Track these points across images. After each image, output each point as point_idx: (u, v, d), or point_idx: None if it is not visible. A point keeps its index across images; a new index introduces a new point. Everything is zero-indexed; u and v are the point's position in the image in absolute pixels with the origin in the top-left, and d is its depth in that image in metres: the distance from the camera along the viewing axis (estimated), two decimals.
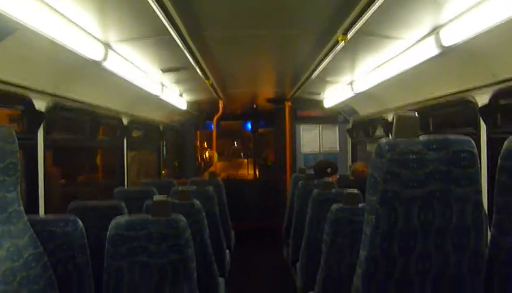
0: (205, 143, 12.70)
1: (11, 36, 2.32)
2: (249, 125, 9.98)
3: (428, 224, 1.59)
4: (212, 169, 8.03)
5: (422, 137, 1.59)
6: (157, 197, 2.52)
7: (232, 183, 8.53)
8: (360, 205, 2.80)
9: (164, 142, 7.26)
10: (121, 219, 2.46)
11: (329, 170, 5.01)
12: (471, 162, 1.59)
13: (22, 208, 1.98)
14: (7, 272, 1.80)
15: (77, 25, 2.67)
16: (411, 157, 1.56)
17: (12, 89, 2.73)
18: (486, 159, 3.02)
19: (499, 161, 1.59)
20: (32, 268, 1.94)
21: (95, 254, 2.40)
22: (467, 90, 3.23)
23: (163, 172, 7.23)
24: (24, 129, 3.00)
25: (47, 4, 2.29)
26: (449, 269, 1.62)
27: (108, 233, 2.41)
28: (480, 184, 1.63)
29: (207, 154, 11.05)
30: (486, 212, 2.51)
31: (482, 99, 3.08)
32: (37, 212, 3.06)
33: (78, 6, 2.45)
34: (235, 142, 15.55)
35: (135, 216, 2.54)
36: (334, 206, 2.81)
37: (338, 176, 5.11)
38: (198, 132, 9.27)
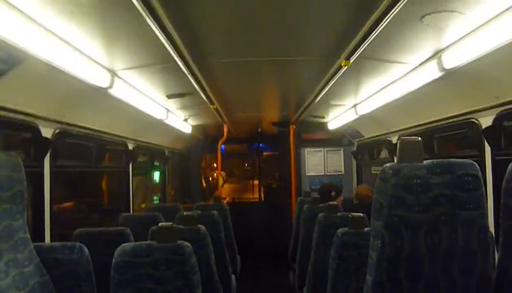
0: (211, 167, 12.70)
1: (19, 66, 2.37)
2: (254, 149, 10.00)
3: (434, 248, 1.58)
4: (218, 192, 8.02)
5: (426, 162, 1.60)
6: (162, 224, 2.52)
7: (237, 206, 8.50)
8: (366, 229, 2.78)
9: (169, 166, 7.28)
10: (126, 246, 2.46)
11: (333, 193, 5.01)
12: (476, 185, 1.58)
13: (28, 235, 1.99)
14: None
15: (83, 53, 2.72)
16: (415, 181, 1.56)
17: (19, 117, 2.76)
18: (491, 181, 3.01)
19: (503, 183, 1.59)
20: None
21: (101, 280, 2.38)
22: (470, 112, 3.24)
23: (172, 192, 7.23)
24: (31, 156, 3.02)
25: (55, 34, 2.34)
26: None
27: (114, 260, 2.40)
28: (486, 207, 1.62)
29: (215, 175, 11.04)
30: (493, 234, 2.49)
31: (485, 121, 3.08)
32: (42, 239, 3.07)
33: (85, 35, 2.50)
34: (241, 166, 15.55)
35: (141, 242, 2.53)
36: (340, 230, 2.80)
37: (342, 199, 5.09)
38: (204, 156, 9.27)
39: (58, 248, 2.15)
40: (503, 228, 1.60)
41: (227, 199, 9.97)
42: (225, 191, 11.17)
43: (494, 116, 2.99)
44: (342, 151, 7.69)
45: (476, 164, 1.62)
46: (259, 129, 8.05)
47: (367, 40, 2.60)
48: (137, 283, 2.40)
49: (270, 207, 9.02)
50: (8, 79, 2.40)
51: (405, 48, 2.92)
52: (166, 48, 2.68)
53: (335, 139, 7.56)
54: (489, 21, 2.30)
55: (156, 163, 6.75)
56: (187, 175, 8.53)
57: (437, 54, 2.90)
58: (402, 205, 1.56)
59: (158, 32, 2.38)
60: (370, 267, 1.66)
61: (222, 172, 10.97)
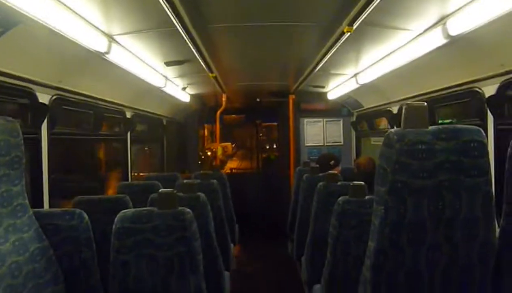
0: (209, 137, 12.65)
1: (14, 28, 2.31)
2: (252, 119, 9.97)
3: (437, 214, 1.57)
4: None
5: (431, 128, 1.57)
6: (163, 190, 2.50)
7: (235, 177, 8.52)
8: (366, 198, 2.78)
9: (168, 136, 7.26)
10: (127, 212, 2.45)
11: (332, 162, 5.02)
12: (481, 152, 1.57)
13: (27, 201, 1.97)
14: (13, 266, 1.80)
15: (80, 16, 2.66)
16: (420, 147, 1.54)
17: (15, 82, 2.72)
18: (493, 149, 3.00)
19: (509, 150, 1.58)
20: (38, 262, 1.94)
21: (100, 248, 2.38)
22: (474, 81, 3.20)
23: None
24: (28, 123, 2.99)
25: None
26: (459, 259, 1.61)
27: (114, 226, 2.40)
28: (490, 174, 1.61)
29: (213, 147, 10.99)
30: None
31: (489, 90, 3.05)
32: (41, 206, 3.06)
33: None
34: (239, 136, 15.52)
35: (141, 209, 2.52)
36: (341, 199, 2.79)
37: (340, 168, 5.10)
38: (202, 126, 9.25)
39: (57, 214, 2.14)
40: (507, 194, 1.60)
41: (225, 169, 9.99)
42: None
43: (498, 85, 2.95)
44: (341, 122, 7.67)
45: (482, 130, 1.60)
46: (258, 99, 7.99)
47: (371, 4, 2.54)
48: (137, 249, 2.40)
49: (268, 178, 9.05)
50: (3, 42, 2.34)
51: (410, 14, 2.86)
52: (165, 12, 2.62)
53: (335, 110, 7.53)
54: None
55: (154, 132, 6.72)
56: (184, 145, 8.51)
57: (442, 20, 2.84)
58: (406, 171, 1.54)
59: None
60: (372, 233, 1.66)
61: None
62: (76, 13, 2.60)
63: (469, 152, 1.55)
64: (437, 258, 1.60)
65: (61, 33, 2.55)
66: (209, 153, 10.69)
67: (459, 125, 1.59)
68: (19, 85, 2.78)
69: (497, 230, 1.64)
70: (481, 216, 1.59)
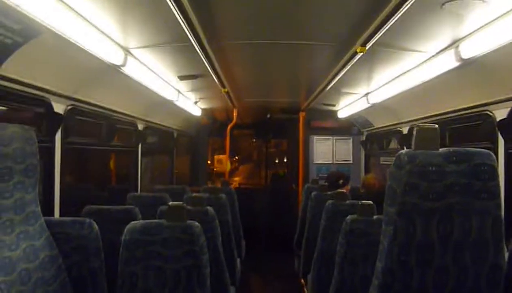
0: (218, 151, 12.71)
1: (35, 39, 2.36)
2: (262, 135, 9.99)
3: (446, 236, 1.57)
4: (229, 178, 8.05)
5: (442, 150, 1.58)
6: (172, 203, 2.52)
7: (243, 192, 8.52)
8: (374, 217, 2.78)
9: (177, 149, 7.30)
10: (136, 224, 2.47)
11: (341, 181, 5.01)
12: (492, 175, 1.57)
13: (39, 209, 2.00)
14: (23, 272, 1.82)
15: (98, 29, 2.71)
16: (430, 169, 1.55)
17: (32, 91, 2.76)
18: (503, 173, 2.98)
19: None
20: (47, 269, 1.95)
21: (108, 258, 2.39)
22: (485, 104, 3.21)
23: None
24: (43, 131, 3.03)
25: (71, 8, 2.33)
26: (467, 282, 1.60)
27: (123, 237, 2.41)
28: (500, 198, 1.61)
29: (220, 160, 11.15)
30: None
31: (500, 113, 3.05)
32: (52, 214, 3.09)
33: (100, 11, 2.48)
34: (249, 152, 15.54)
35: (150, 221, 2.54)
36: (349, 217, 2.79)
37: (350, 187, 5.09)
38: (212, 140, 9.30)
39: (68, 223, 2.16)
40: None
41: (233, 184, 9.99)
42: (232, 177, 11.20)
43: (509, 109, 2.95)
44: (351, 140, 7.67)
45: (492, 153, 1.60)
46: (269, 115, 8.02)
47: (384, 26, 2.56)
48: (145, 260, 2.41)
49: (276, 194, 9.02)
50: (23, 52, 2.39)
51: (423, 36, 2.88)
52: (181, 27, 2.66)
53: (345, 128, 7.53)
54: (510, 10, 2.26)
55: (165, 144, 6.76)
56: (194, 158, 8.54)
57: (455, 43, 2.86)
58: (416, 192, 1.55)
59: (174, 10, 2.36)
60: (381, 254, 1.66)
61: (224, 157, 10.88)
62: (94, 26, 2.65)
63: (480, 175, 1.56)
64: (445, 280, 1.60)
65: (79, 45, 2.60)
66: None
67: (470, 149, 1.60)
68: (36, 94, 2.83)
69: (506, 253, 1.64)
70: (490, 239, 1.59)
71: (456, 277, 1.60)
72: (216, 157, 11.27)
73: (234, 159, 15.04)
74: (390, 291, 1.61)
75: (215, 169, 9.98)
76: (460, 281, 1.60)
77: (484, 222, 1.58)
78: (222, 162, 10.61)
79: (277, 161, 11.23)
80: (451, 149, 1.59)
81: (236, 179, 11.66)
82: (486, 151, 1.61)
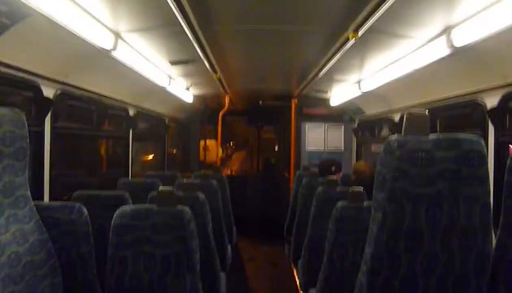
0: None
1: (23, 21, 2.32)
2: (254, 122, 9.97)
3: (435, 222, 1.58)
4: (221, 167, 8.01)
5: (431, 136, 1.58)
6: (162, 188, 2.51)
7: (235, 178, 8.53)
8: (365, 203, 2.79)
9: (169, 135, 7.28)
10: (126, 209, 2.46)
11: (333, 168, 5.02)
12: (481, 162, 1.58)
13: (29, 193, 1.98)
14: (12, 256, 1.81)
15: (88, 12, 2.67)
16: (420, 155, 1.55)
17: (21, 75, 2.73)
18: (493, 161, 3.01)
19: (508, 161, 1.59)
20: (37, 253, 1.94)
21: (98, 243, 2.39)
22: (476, 92, 3.22)
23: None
24: (32, 116, 3.00)
25: None
26: (455, 268, 1.62)
27: (112, 222, 2.41)
28: (489, 185, 1.62)
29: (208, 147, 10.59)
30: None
31: (491, 101, 3.07)
32: (41, 199, 3.07)
33: None
34: (240, 138, 15.52)
35: (140, 205, 2.53)
36: (339, 204, 2.80)
37: (342, 174, 5.11)
38: (203, 127, 9.25)
39: (57, 207, 2.15)
40: (504, 206, 1.61)
41: (224, 170, 9.97)
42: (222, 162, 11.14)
43: (500, 97, 2.96)
44: (342, 127, 7.70)
45: (482, 140, 1.61)
46: (260, 102, 8.00)
47: (377, 11, 2.56)
48: (135, 245, 2.41)
49: (268, 180, 9.05)
50: (10, 35, 2.36)
51: (415, 22, 2.87)
52: (172, 11, 2.63)
53: (336, 115, 7.55)
54: None
55: (156, 130, 6.74)
56: (186, 144, 8.53)
57: (446, 30, 2.86)
58: (406, 178, 1.55)
59: None
60: (369, 239, 1.67)
61: (211, 142, 10.42)
62: (84, 9, 2.61)
63: (469, 161, 1.57)
64: (433, 266, 1.61)
65: (68, 29, 2.57)
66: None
67: (459, 135, 1.60)
68: (25, 78, 2.80)
69: (494, 240, 1.65)
70: (478, 226, 1.60)
71: (444, 263, 1.61)
72: (204, 143, 9.88)
73: (227, 146, 15.01)
74: (379, 277, 1.62)
75: (202, 158, 9.28)
76: (448, 267, 1.61)
77: (473, 208, 1.59)
78: (210, 148, 10.05)
79: (268, 148, 11.21)
80: (441, 135, 1.59)
81: (229, 167, 11.63)
82: (475, 137, 1.61)
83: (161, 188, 2.51)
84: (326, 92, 6.56)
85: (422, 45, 3.24)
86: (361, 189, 2.86)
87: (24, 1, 2.10)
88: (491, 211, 1.63)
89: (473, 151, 1.57)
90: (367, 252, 1.67)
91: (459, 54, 2.94)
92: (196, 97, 6.82)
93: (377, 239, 1.61)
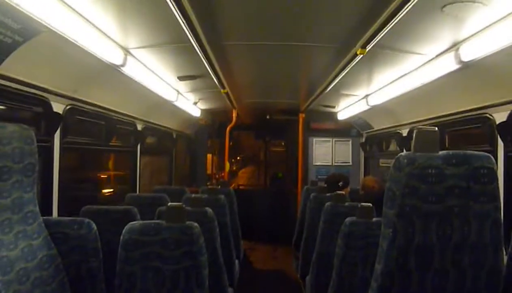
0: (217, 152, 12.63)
1: (34, 38, 2.36)
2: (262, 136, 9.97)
3: (445, 239, 1.57)
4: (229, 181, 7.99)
5: (441, 153, 1.58)
6: (171, 204, 2.51)
7: (242, 193, 8.50)
8: (373, 219, 2.77)
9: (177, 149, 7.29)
10: (135, 224, 2.46)
11: (340, 183, 5.00)
12: (491, 178, 1.57)
13: (37, 209, 1.99)
14: (21, 272, 1.81)
15: (98, 29, 2.71)
16: (430, 171, 1.55)
17: (31, 90, 2.76)
18: (503, 176, 2.98)
19: None
20: (46, 269, 1.95)
21: (107, 258, 2.39)
22: (485, 107, 3.21)
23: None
24: (41, 131, 3.03)
25: (71, 8, 2.33)
26: (466, 285, 1.60)
27: (121, 237, 2.40)
28: (499, 201, 1.60)
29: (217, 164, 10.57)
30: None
31: (500, 116, 3.05)
32: (50, 214, 3.08)
33: (100, 10, 2.48)
34: (248, 152, 15.51)
35: (149, 221, 2.53)
36: (348, 219, 2.79)
37: (349, 189, 5.09)
38: (211, 141, 9.26)
39: (66, 223, 2.15)
40: None
41: (232, 185, 9.96)
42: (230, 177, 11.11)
43: (509, 111, 2.95)
44: (350, 142, 7.67)
45: (492, 156, 1.60)
46: (268, 117, 8.01)
47: (385, 28, 2.56)
48: (144, 261, 2.40)
49: (275, 195, 9.01)
50: (22, 51, 2.39)
51: (423, 38, 2.88)
52: (181, 28, 2.66)
53: (344, 130, 7.53)
54: (510, 13, 2.26)
55: (164, 145, 6.76)
56: (193, 159, 8.54)
57: (455, 46, 2.86)
58: (415, 195, 1.55)
59: (174, 10, 2.36)
60: (379, 256, 1.65)
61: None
62: (94, 26, 2.65)
63: (479, 178, 1.56)
64: (444, 283, 1.59)
65: (79, 45, 2.60)
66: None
67: (469, 151, 1.59)
68: (35, 94, 2.82)
69: (505, 257, 1.63)
70: (489, 242, 1.59)
71: (455, 280, 1.59)
72: (211, 157, 9.43)
73: (234, 160, 14.99)
74: None
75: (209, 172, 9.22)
76: (459, 284, 1.59)
77: (483, 225, 1.57)
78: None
79: (276, 163, 11.18)
80: (451, 152, 1.58)
81: (236, 181, 11.62)
82: (486, 154, 1.60)
83: (169, 204, 2.51)
84: (334, 107, 6.56)
85: (430, 60, 3.24)
86: (369, 204, 2.84)
87: (36, 18, 2.13)
88: (502, 227, 1.61)
89: (483, 168, 1.56)
90: (378, 268, 1.65)
91: (467, 69, 2.94)
92: (203, 111, 6.85)
93: (387, 256, 1.60)
